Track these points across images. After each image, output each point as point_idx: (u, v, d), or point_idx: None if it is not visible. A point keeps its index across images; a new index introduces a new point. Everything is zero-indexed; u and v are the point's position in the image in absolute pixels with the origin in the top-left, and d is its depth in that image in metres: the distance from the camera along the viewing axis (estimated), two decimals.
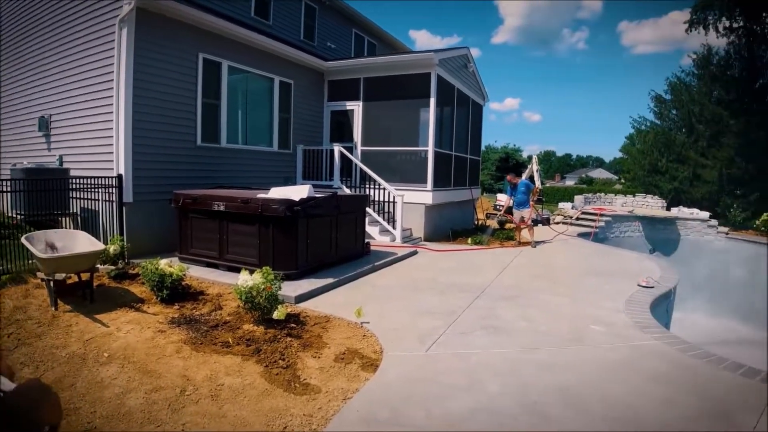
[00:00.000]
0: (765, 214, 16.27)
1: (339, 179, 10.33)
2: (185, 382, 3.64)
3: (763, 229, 15.81)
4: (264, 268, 5.14)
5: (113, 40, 7.11)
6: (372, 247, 8.49)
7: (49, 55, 8.78)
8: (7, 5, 10.20)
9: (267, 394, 3.51)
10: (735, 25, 22.40)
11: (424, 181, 10.31)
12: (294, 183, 10.53)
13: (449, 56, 11.20)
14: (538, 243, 10.93)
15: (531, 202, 11.09)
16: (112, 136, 7.24)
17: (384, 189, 9.69)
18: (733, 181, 23.30)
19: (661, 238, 16.18)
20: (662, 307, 6.65)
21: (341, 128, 11.47)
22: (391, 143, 10.94)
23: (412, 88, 10.56)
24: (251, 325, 4.83)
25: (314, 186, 9.24)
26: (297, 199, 6.33)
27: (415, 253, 8.83)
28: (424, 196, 10.29)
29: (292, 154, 10.72)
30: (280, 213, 6.17)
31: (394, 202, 9.60)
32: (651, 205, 20.20)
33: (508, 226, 13.00)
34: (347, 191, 9.98)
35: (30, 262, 5.78)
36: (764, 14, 21.30)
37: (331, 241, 7.19)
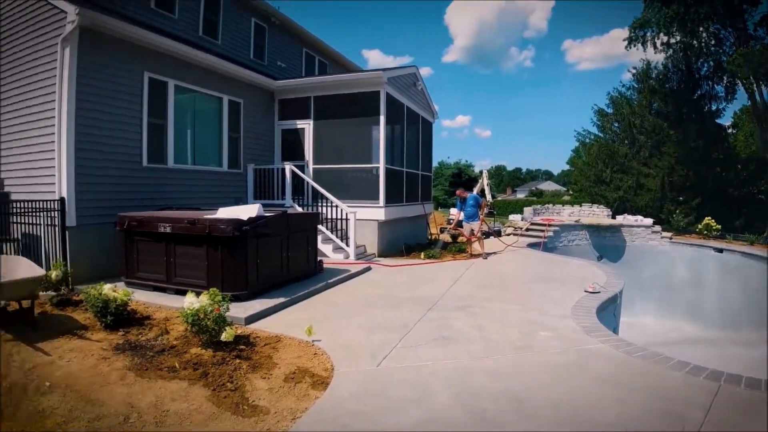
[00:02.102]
0: (706, 218, 17.37)
1: (291, 198, 10.39)
2: (129, 409, 3.62)
3: (705, 232, 16.89)
4: (211, 289, 5.15)
5: (55, 60, 6.98)
6: (325, 265, 8.58)
7: None
8: None
9: (214, 418, 3.54)
10: (672, 40, 23.98)
11: (377, 198, 10.53)
12: (245, 203, 10.51)
13: (398, 74, 11.54)
14: (489, 254, 11.30)
15: (480, 215, 11.47)
16: (53, 158, 7.08)
17: (336, 206, 9.84)
18: (675, 188, 24.73)
19: (607, 245, 16.95)
20: (609, 311, 6.96)
21: (292, 147, 11.56)
22: (342, 161, 11.11)
23: (362, 106, 10.83)
24: (199, 348, 4.82)
25: (266, 205, 9.31)
26: (245, 218, 6.35)
27: (368, 269, 8.98)
28: (376, 212, 10.49)
29: (242, 173, 10.71)
30: (228, 233, 6.18)
31: (346, 219, 9.75)
32: (597, 214, 21.08)
33: (460, 239, 13.37)
34: (299, 210, 10.04)
35: None
36: (700, 29, 22.84)
37: (283, 261, 7.23)
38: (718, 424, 3.32)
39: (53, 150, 7.07)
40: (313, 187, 10.34)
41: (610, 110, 28.85)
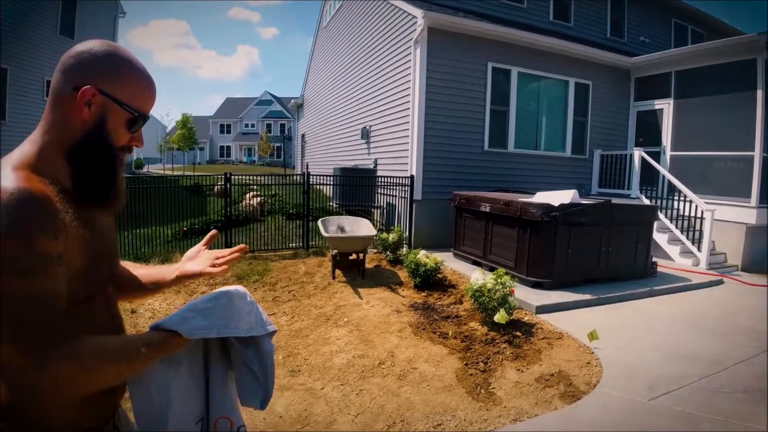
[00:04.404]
0: None
1: (638, 188, 9.07)
2: (388, 357, 4.07)
3: None
4: (498, 270, 5.12)
5: (410, 60, 8.24)
6: (662, 269, 7.20)
7: (366, 76, 10.93)
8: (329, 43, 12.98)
9: (448, 390, 3.59)
10: None
11: (747, 195, 8.02)
12: (588, 190, 9.83)
13: None
14: None
15: None
16: (408, 143, 8.38)
17: (691, 201, 8.04)
18: None
19: None
20: None
21: (648, 130, 10.00)
22: (704, 147, 8.94)
23: (734, 79, 8.44)
24: (477, 324, 4.91)
25: (609, 195, 8.55)
26: (557, 204, 5.99)
27: (718, 282, 7.01)
28: (745, 213, 8.03)
29: (587, 159, 10.00)
30: (537, 217, 5.97)
31: (701, 218, 7.86)
32: None
33: None
34: (646, 202, 8.68)
35: None
36: None
37: (600, 255, 6.46)
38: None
39: (407, 136, 8.40)
40: (664, 176, 8.72)
41: None
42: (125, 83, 0.97)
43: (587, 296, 5.83)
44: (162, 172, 25.53)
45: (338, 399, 3.35)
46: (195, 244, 1.30)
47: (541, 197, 6.49)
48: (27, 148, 0.93)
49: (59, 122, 0.95)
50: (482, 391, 3.60)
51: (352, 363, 3.91)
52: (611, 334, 4.66)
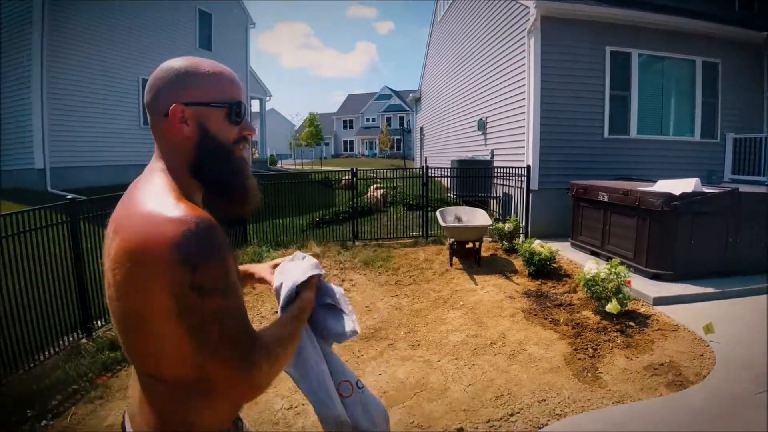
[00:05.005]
0: None
1: None
2: (499, 338, 4.47)
3: None
4: (612, 260, 5.21)
5: (524, 51, 8.34)
6: None
7: (481, 68, 11.13)
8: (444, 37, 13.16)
9: (555, 371, 3.90)
10: None
11: None
12: (721, 177, 9.12)
13: None
14: None
15: None
16: (524, 133, 8.52)
17: None
18: None
19: None
20: None
21: None
22: None
23: None
24: (590, 312, 5.08)
25: (743, 182, 7.98)
26: (678, 193, 5.84)
27: None
28: None
29: (718, 143, 9.23)
30: (657, 207, 5.88)
31: None
32: None
33: None
34: None
35: None
36: None
37: (727, 247, 6.13)
38: None
39: (523, 126, 8.52)
40: None
41: None
42: (200, 84, 0.99)
43: (710, 289, 5.63)
44: (293, 167, 27.93)
45: (452, 371, 3.86)
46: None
47: (662, 186, 6.33)
48: (164, 177, 0.97)
49: (172, 150, 0.99)
50: (589, 374, 3.86)
51: (465, 341, 4.38)
52: (731, 329, 4.55)
